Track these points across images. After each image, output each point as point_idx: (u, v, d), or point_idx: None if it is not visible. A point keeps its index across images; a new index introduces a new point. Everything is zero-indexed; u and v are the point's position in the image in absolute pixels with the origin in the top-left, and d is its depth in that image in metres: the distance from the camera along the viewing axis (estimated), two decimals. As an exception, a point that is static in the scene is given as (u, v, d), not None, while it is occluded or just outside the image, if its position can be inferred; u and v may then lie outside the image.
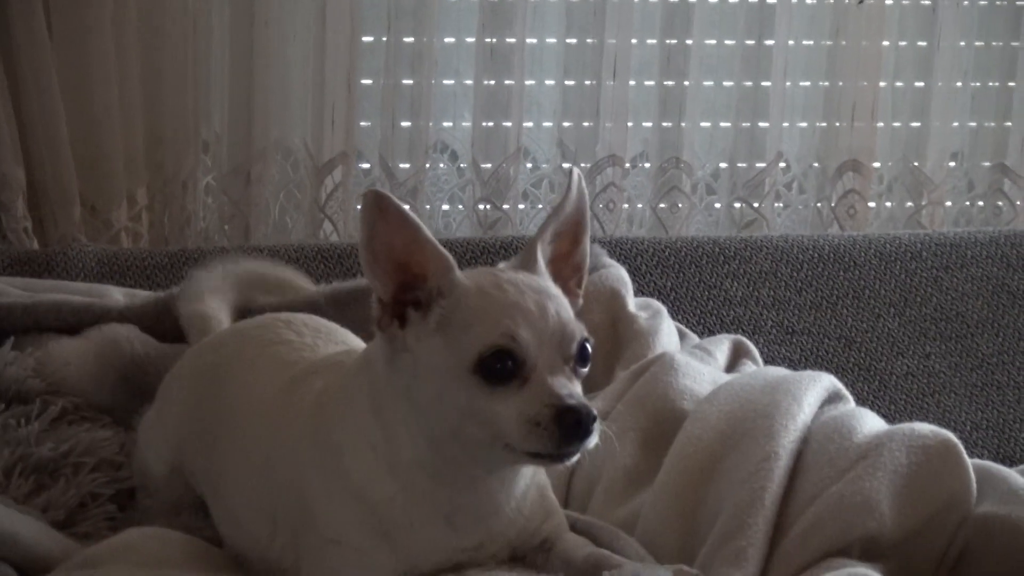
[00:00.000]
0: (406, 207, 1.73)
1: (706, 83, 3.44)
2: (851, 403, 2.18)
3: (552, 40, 3.35)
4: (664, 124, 3.42)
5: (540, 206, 3.40)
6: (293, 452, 1.87)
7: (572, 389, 1.69)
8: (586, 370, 1.75)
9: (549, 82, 3.37)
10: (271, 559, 1.90)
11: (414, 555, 1.80)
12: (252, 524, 1.95)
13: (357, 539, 1.80)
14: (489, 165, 3.33)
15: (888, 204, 3.59)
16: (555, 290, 1.79)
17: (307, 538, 1.83)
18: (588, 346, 1.74)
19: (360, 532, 1.79)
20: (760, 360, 2.62)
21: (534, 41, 3.33)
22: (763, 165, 3.47)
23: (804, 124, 3.52)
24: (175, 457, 2.15)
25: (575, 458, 1.69)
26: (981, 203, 3.64)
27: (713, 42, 3.43)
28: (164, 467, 2.17)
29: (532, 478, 1.87)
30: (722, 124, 3.47)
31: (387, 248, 1.72)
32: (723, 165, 3.48)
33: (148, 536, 1.95)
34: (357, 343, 2.10)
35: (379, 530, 1.78)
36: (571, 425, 1.65)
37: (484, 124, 3.31)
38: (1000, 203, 3.63)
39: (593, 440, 1.66)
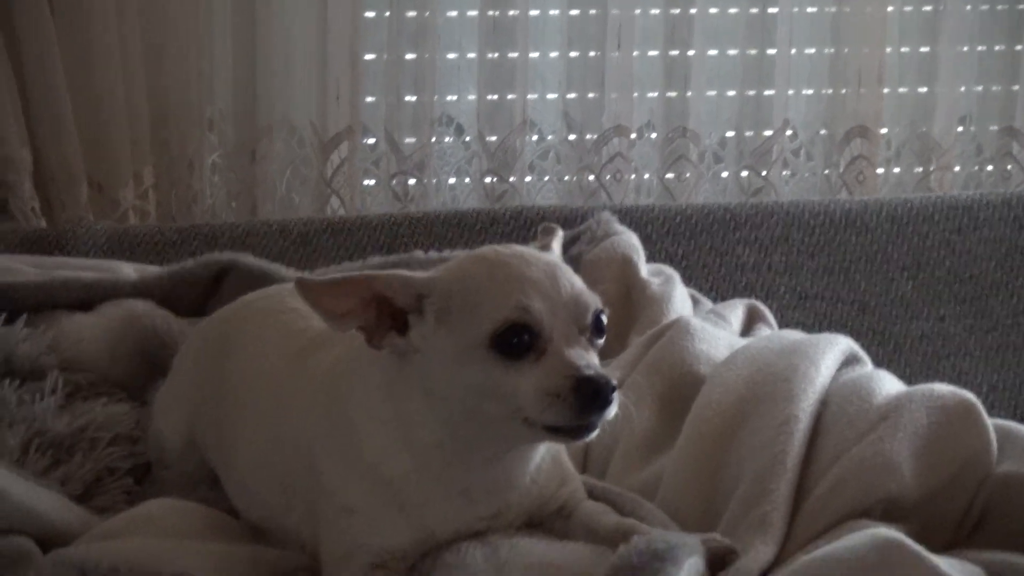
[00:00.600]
0: (329, 275, 1.73)
1: (711, 52, 3.42)
2: (869, 365, 2.17)
3: (555, 12, 3.34)
4: (669, 94, 3.41)
5: (547, 177, 3.39)
6: (303, 423, 1.86)
7: (590, 360, 1.67)
8: (602, 341, 1.73)
9: (553, 54, 3.36)
10: (289, 529, 1.90)
11: (430, 525, 1.79)
12: (264, 495, 1.94)
13: (371, 509, 1.78)
14: (495, 138, 3.32)
15: (896, 170, 3.57)
16: (566, 264, 1.77)
17: (321, 506, 1.82)
18: (603, 317, 1.73)
19: (374, 503, 1.78)
20: (775, 324, 2.61)
21: (537, 13, 3.31)
22: (770, 133, 3.46)
23: (810, 91, 3.50)
24: (189, 430, 2.16)
25: (594, 434, 1.67)
26: (990, 167, 3.61)
27: (716, 10, 3.42)
28: (179, 440, 2.17)
29: (546, 449, 1.86)
30: (728, 93, 3.46)
31: (341, 310, 1.70)
32: (730, 134, 3.47)
33: (167, 507, 1.95)
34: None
35: (394, 502, 1.77)
36: (590, 395, 1.62)
37: (489, 97, 3.31)
38: (1009, 167, 3.61)
39: (612, 410, 1.64)
